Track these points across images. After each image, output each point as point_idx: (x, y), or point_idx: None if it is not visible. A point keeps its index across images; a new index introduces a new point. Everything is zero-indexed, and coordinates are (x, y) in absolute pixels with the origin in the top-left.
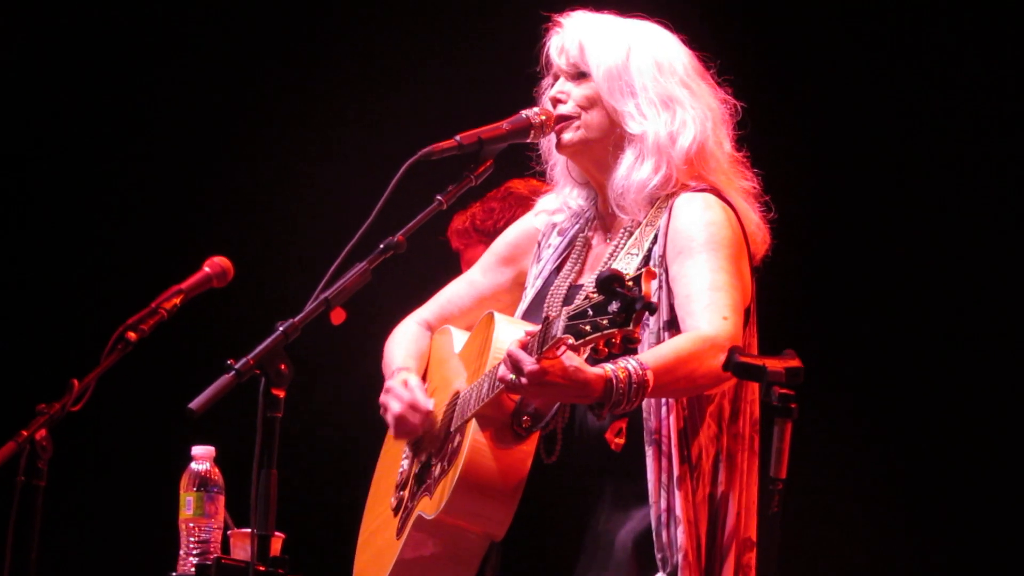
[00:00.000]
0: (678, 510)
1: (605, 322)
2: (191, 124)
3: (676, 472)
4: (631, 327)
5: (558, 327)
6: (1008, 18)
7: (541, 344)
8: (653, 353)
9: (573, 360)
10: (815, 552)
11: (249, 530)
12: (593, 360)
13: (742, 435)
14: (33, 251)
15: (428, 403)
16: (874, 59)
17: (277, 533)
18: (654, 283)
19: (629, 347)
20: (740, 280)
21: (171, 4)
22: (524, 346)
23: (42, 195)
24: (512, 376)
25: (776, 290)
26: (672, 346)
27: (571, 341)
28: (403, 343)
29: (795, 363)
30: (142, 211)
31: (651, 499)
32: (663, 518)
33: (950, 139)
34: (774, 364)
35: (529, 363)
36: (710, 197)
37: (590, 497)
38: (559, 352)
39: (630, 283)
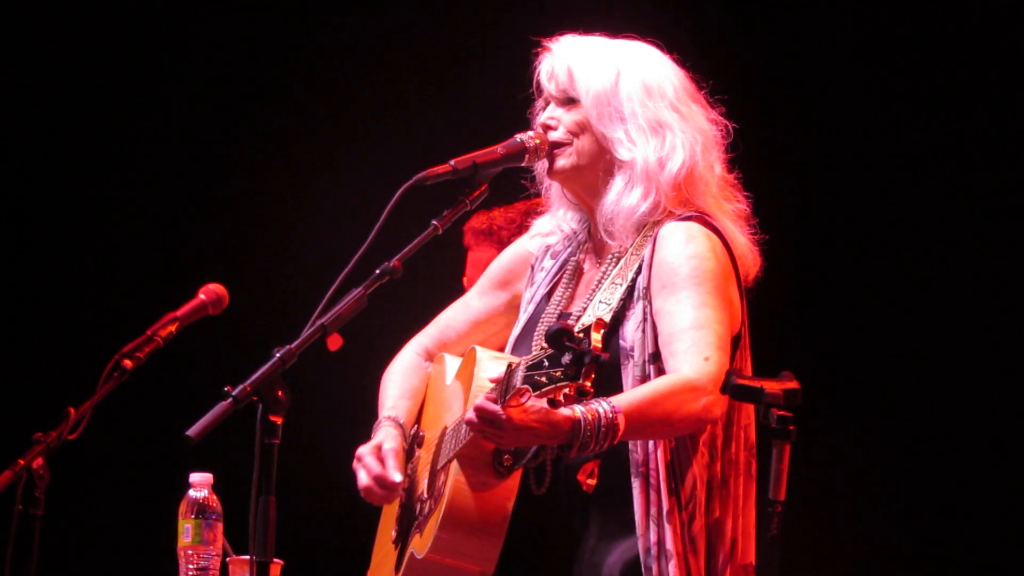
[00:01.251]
0: (669, 544)
1: (559, 374)
2: (187, 151)
3: (665, 506)
4: (581, 380)
5: (518, 378)
6: (996, 44)
7: (504, 392)
8: (628, 396)
9: (541, 403)
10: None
11: (248, 557)
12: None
13: (735, 461)
14: (28, 280)
15: (396, 476)
16: (867, 77)
17: (276, 560)
18: (630, 325)
19: (583, 398)
20: (726, 312)
21: (169, 29)
22: (492, 391)
23: (37, 223)
24: (484, 431)
25: (770, 311)
26: (649, 389)
27: (530, 392)
28: (397, 379)
29: (793, 385)
30: (137, 239)
31: (639, 531)
32: (653, 551)
33: (942, 160)
34: (772, 386)
35: (500, 417)
36: (693, 226)
37: (578, 528)
38: (523, 400)
39: (580, 335)
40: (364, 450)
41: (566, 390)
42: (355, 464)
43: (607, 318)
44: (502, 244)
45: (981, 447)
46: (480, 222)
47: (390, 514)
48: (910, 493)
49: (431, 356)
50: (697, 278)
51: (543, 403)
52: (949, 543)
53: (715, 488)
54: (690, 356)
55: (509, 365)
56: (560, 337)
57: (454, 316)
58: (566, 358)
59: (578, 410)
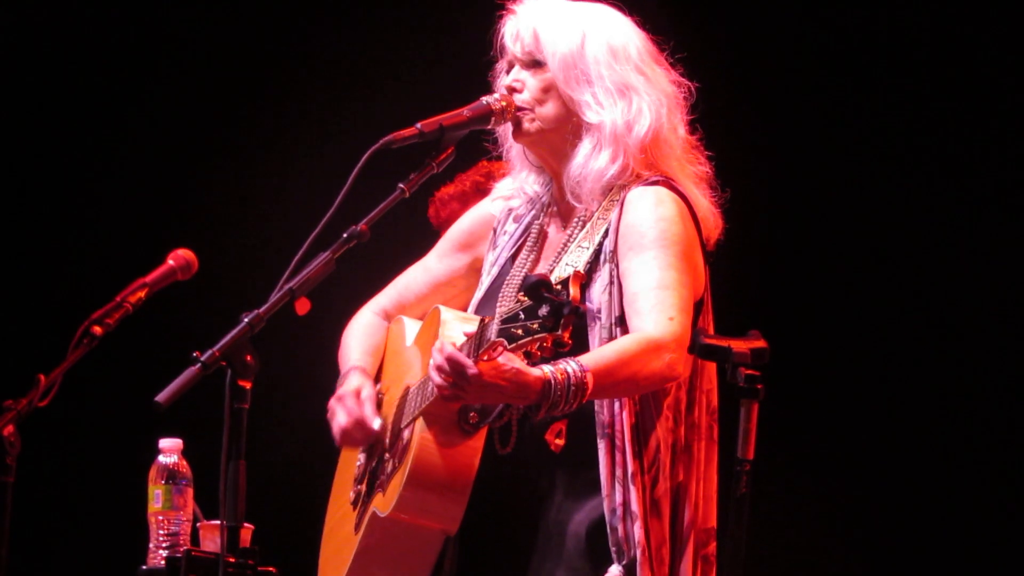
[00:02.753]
0: (634, 505)
1: (536, 326)
2: (152, 118)
3: (631, 468)
4: (560, 332)
5: (492, 331)
6: None
7: (477, 347)
8: (595, 355)
9: (513, 362)
10: (779, 541)
11: (219, 522)
12: (528, 363)
13: (698, 425)
14: None
15: (375, 421)
16: (828, 35)
17: (246, 524)
18: (596, 288)
19: (560, 351)
20: (690, 276)
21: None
22: (461, 348)
23: (5, 191)
24: (444, 383)
25: (733, 273)
26: (615, 348)
27: (505, 345)
28: (359, 336)
29: (760, 344)
30: (106, 205)
31: (604, 492)
32: (618, 512)
33: (908, 114)
34: (739, 345)
35: (469, 368)
36: (662, 191)
37: (543, 487)
38: (495, 354)
39: (558, 287)
40: (343, 392)
41: (544, 342)
42: (333, 404)
43: None
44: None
45: (950, 402)
46: (456, 186)
47: (345, 475)
48: (877, 455)
49: (389, 317)
50: (664, 241)
51: (516, 361)
52: (916, 502)
53: (679, 452)
54: (654, 315)
55: (482, 320)
56: (539, 288)
57: (413, 278)
58: (543, 310)
59: (548, 370)
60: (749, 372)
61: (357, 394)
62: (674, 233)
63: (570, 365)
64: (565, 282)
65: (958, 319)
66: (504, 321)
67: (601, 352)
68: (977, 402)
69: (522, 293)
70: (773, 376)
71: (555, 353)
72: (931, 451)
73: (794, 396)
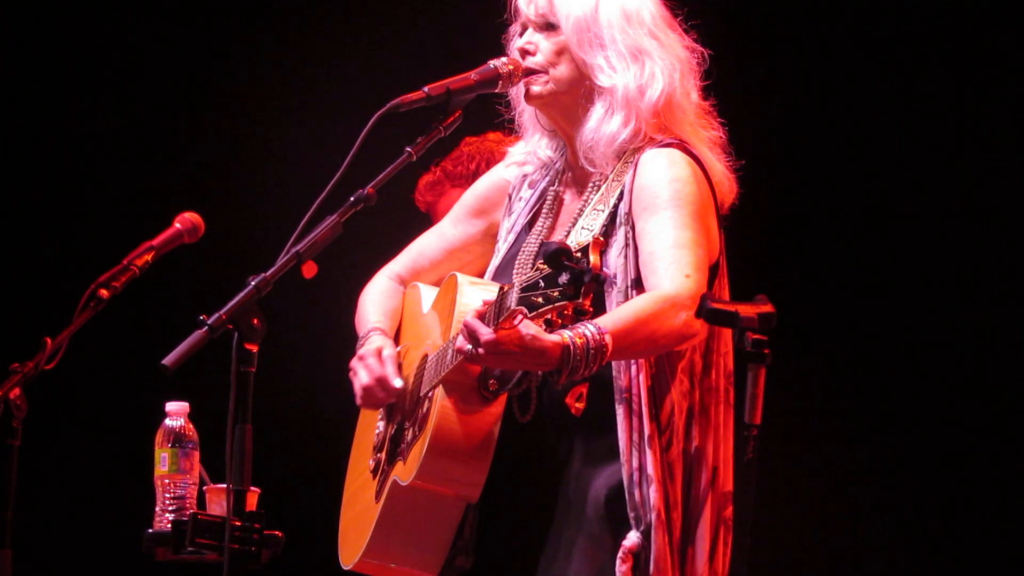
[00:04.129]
0: (649, 468)
1: (556, 294)
2: (159, 80)
3: (647, 431)
4: (580, 299)
5: (512, 299)
6: None
7: (497, 315)
8: (612, 316)
9: (530, 328)
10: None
11: (225, 485)
12: (548, 330)
13: (715, 388)
14: (1, 211)
15: (397, 381)
16: (844, 6)
17: (253, 488)
18: (612, 251)
19: (581, 319)
20: (705, 237)
21: None
22: (481, 316)
23: (9, 153)
24: (469, 347)
25: (746, 238)
26: (632, 308)
27: (525, 313)
28: (376, 299)
29: (767, 308)
30: (112, 168)
31: (623, 457)
32: (635, 476)
33: (920, 87)
34: (746, 310)
35: (486, 334)
36: (675, 152)
37: (562, 454)
38: (516, 322)
39: (578, 254)
40: (365, 351)
41: (565, 310)
42: (355, 363)
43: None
44: (466, 179)
45: (959, 372)
46: (431, 175)
47: (363, 443)
48: (885, 420)
49: (404, 283)
50: (680, 200)
51: (532, 327)
52: (921, 467)
53: (695, 415)
54: (670, 273)
55: (501, 287)
56: (559, 256)
57: (428, 244)
58: (563, 278)
59: (566, 335)
60: (756, 336)
61: (379, 353)
62: (688, 193)
63: (588, 328)
64: (585, 249)
65: (968, 287)
66: (524, 289)
67: (618, 313)
68: (987, 370)
69: (541, 261)
70: (781, 341)
71: (575, 320)
72: (940, 416)
73: (803, 357)
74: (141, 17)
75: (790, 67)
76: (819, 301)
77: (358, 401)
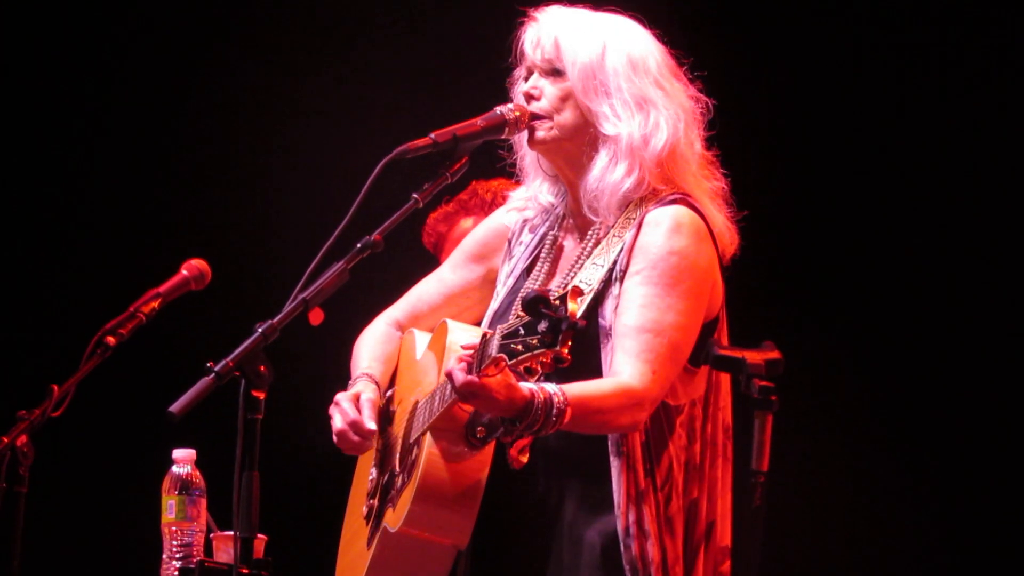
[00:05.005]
0: (646, 524)
1: (535, 342)
2: (167, 127)
3: (641, 486)
4: (558, 347)
5: (493, 346)
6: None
7: (479, 362)
8: (580, 390)
9: (509, 377)
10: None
11: (232, 533)
12: (528, 378)
13: (714, 442)
14: (9, 257)
15: (371, 424)
16: (845, 49)
17: (260, 535)
18: (607, 305)
19: (559, 367)
20: (690, 318)
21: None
22: (466, 362)
23: (18, 200)
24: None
25: (747, 285)
26: (598, 391)
27: (505, 361)
28: (370, 345)
29: (774, 355)
30: (119, 215)
31: (618, 510)
32: (632, 530)
33: (917, 133)
34: (753, 356)
35: (460, 381)
36: (681, 211)
37: (556, 501)
38: (497, 369)
39: (556, 302)
40: (342, 396)
41: (543, 357)
42: (331, 409)
43: (587, 297)
44: (483, 209)
45: (966, 417)
46: (442, 210)
47: (360, 490)
48: (892, 466)
49: (402, 329)
50: (671, 278)
51: (512, 379)
52: (927, 518)
53: (692, 469)
54: (639, 363)
55: (484, 335)
56: (536, 304)
57: (426, 290)
58: (542, 326)
59: (534, 388)
60: (763, 384)
61: (355, 398)
62: (684, 268)
63: (556, 392)
64: (563, 297)
65: (970, 331)
66: (505, 336)
67: (586, 389)
68: (994, 413)
69: (521, 309)
70: (786, 387)
71: (555, 369)
72: (949, 465)
73: (808, 406)
74: (150, 61)
75: (793, 114)
76: (821, 348)
77: (336, 444)
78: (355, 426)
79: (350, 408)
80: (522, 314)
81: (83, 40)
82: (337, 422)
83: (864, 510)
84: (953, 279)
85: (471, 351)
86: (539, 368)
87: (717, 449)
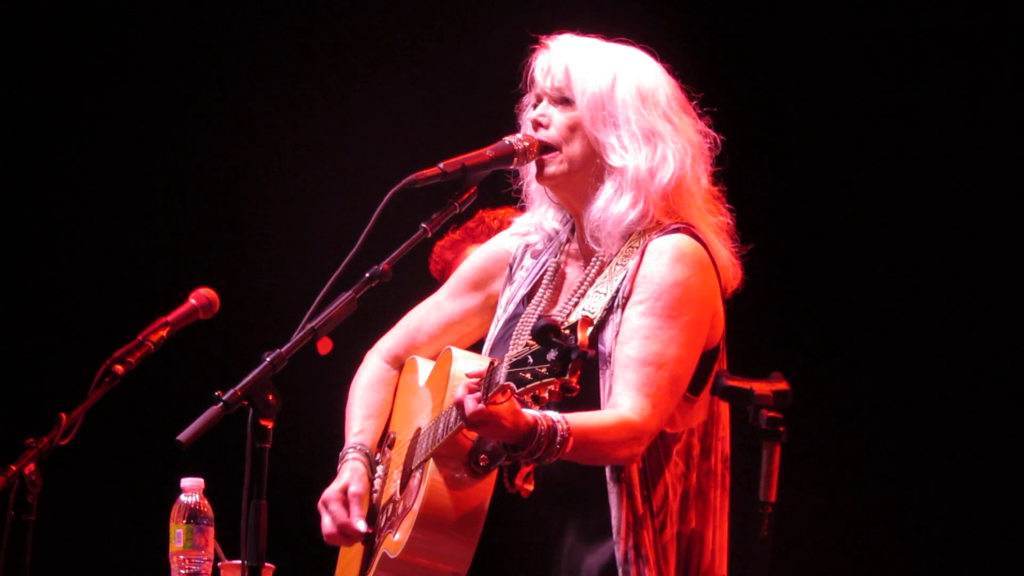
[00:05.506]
0: (644, 549)
1: (544, 371)
2: (177, 156)
3: (639, 512)
4: (567, 376)
5: (501, 374)
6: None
7: (486, 390)
8: (583, 420)
9: (514, 404)
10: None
11: (239, 562)
12: (534, 406)
13: (714, 472)
14: (19, 285)
15: (360, 524)
16: (852, 86)
17: (267, 564)
18: (608, 332)
19: (568, 395)
20: (690, 350)
21: (165, 38)
22: (471, 390)
23: (28, 228)
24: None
25: (753, 315)
26: (600, 423)
27: (513, 389)
28: (364, 397)
29: (782, 386)
30: (127, 244)
31: (617, 536)
32: (630, 555)
33: (922, 162)
34: (761, 387)
35: (470, 409)
36: (683, 241)
37: (555, 528)
38: (504, 397)
39: (566, 331)
40: (330, 494)
41: (552, 386)
42: (320, 508)
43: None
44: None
45: (975, 448)
46: (448, 238)
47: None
48: (899, 495)
49: (399, 361)
50: (673, 310)
51: (516, 406)
52: (938, 549)
53: (691, 498)
54: (640, 396)
55: (491, 362)
56: (547, 333)
57: (424, 318)
58: (552, 354)
59: (538, 416)
60: (771, 414)
61: (343, 493)
62: (685, 300)
63: (559, 421)
64: (573, 327)
65: (980, 362)
66: (513, 365)
67: (588, 420)
68: (1000, 442)
69: (531, 337)
70: (795, 416)
71: (563, 398)
72: (956, 496)
73: (816, 432)
74: (157, 87)
75: (801, 150)
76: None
77: (326, 541)
78: (345, 528)
79: (339, 510)
80: (531, 342)
81: (93, 67)
82: (327, 525)
83: (870, 539)
84: (960, 310)
85: (477, 379)
86: (547, 397)
87: (715, 479)
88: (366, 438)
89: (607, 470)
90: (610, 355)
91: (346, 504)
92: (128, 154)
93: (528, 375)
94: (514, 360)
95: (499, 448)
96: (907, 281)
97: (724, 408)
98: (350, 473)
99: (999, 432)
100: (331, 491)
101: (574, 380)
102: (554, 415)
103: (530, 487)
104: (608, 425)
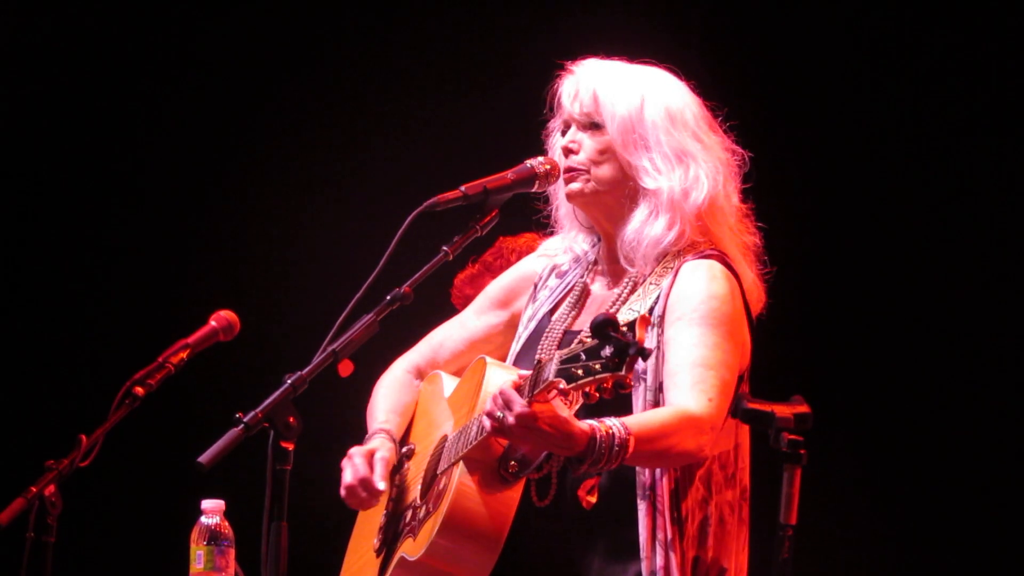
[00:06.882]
0: (674, 570)
1: (598, 367)
2: (199, 178)
3: (670, 533)
4: (623, 372)
5: (550, 370)
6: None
7: (533, 386)
8: (639, 420)
9: (563, 411)
10: None
11: None
12: (585, 409)
13: (733, 502)
14: (39, 307)
15: (381, 483)
16: (876, 101)
17: None
18: (649, 330)
19: (620, 392)
20: (733, 358)
21: (181, 57)
22: (517, 388)
23: (48, 250)
24: (500, 414)
25: (776, 337)
26: (658, 418)
27: (563, 385)
28: (387, 394)
29: (803, 409)
30: (148, 266)
31: (643, 553)
32: (659, 575)
33: (945, 178)
34: (782, 410)
35: (520, 404)
36: (716, 267)
37: (580, 546)
38: (551, 396)
39: (624, 328)
40: (356, 450)
41: (605, 383)
42: (344, 461)
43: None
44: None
45: (987, 471)
46: (469, 270)
47: (371, 525)
48: (910, 518)
49: (421, 374)
50: (713, 319)
51: (565, 410)
52: (953, 565)
53: (711, 525)
54: (695, 393)
55: (539, 360)
56: (605, 327)
57: (448, 335)
58: (607, 351)
59: (594, 424)
60: (792, 437)
61: (369, 455)
62: (723, 313)
63: (616, 425)
64: (632, 324)
65: (1007, 385)
66: (564, 361)
67: (645, 418)
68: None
69: (586, 335)
70: (816, 440)
71: (614, 395)
72: (977, 515)
73: (838, 458)
74: (178, 108)
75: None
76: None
77: (343, 498)
78: (365, 483)
79: (362, 464)
80: (586, 340)
81: (105, 89)
82: (347, 476)
83: (889, 561)
84: (989, 333)
85: (521, 380)
86: (597, 395)
87: (735, 509)
88: (391, 427)
89: (636, 486)
90: (644, 373)
91: (371, 464)
92: (150, 177)
93: (580, 371)
94: (565, 357)
95: (530, 456)
96: (932, 303)
97: (745, 438)
98: (379, 442)
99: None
100: (356, 449)
101: (630, 377)
102: (609, 420)
103: (593, 499)
104: (666, 418)
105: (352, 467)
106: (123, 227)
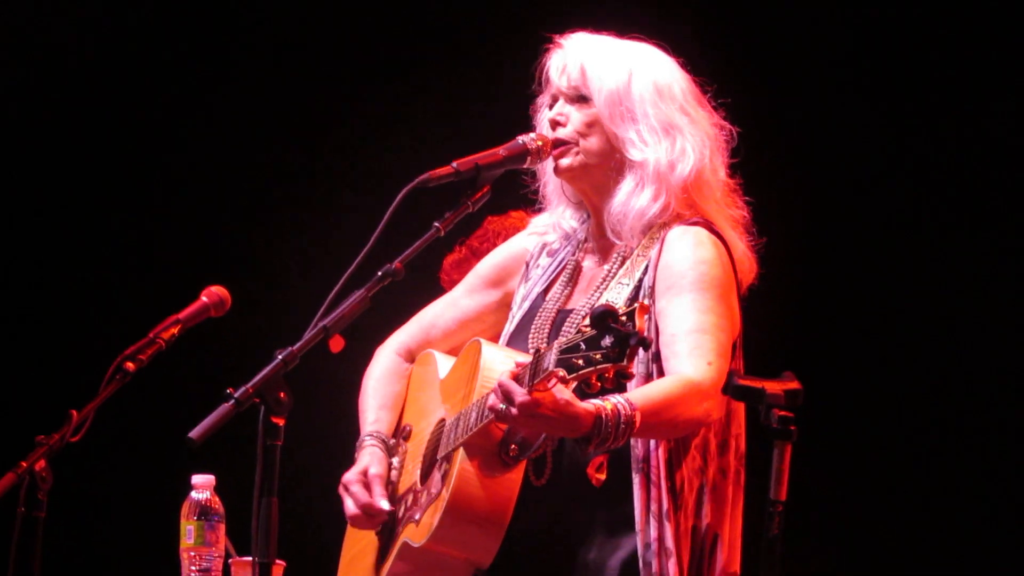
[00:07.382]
0: (669, 542)
1: (598, 356)
2: (188, 155)
3: (665, 504)
4: (624, 362)
5: (550, 360)
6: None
7: (532, 376)
8: (642, 393)
9: (564, 394)
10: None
11: (251, 558)
12: (582, 394)
13: (729, 468)
14: (30, 282)
15: (383, 503)
16: (865, 78)
17: (278, 561)
18: (649, 319)
19: (621, 381)
20: (728, 321)
21: (188, 45)
22: (515, 377)
23: (40, 226)
24: (502, 406)
25: (767, 314)
26: (660, 389)
27: (562, 374)
28: (378, 388)
29: (794, 385)
30: (139, 241)
31: (638, 526)
32: (653, 547)
33: (938, 161)
34: (773, 387)
35: (520, 394)
36: (702, 232)
37: (578, 522)
38: (550, 385)
39: (623, 318)
40: (350, 477)
41: (606, 372)
42: (341, 491)
43: None
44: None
45: (974, 445)
46: (456, 253)
47: None
48: (903, 495)
49: (412, 355)
50: (704, 283)
51: (566, 392)
52: (943, 542)
53: (707, 493)
54: (693, 359)
55: (537, 349)
56: (605, 318)
57: (439, 314)
58: (607, 340)
59: (598, 404)
60: (783, 413)
61: (364, 475)
62: (713, 276)
63: (620, 401)
64: (631, 313)
65: (997, 362)
66: (564, 351)
67: (647, 391)
68: (1011, 437)
69: (585, 324)
70: (806, 417)
71: (615, 384)
72: (967, 492)
73: (827, 437)
74: (171, 88)
75: (813, 143)
76: (841, 377)
77: (350, 524)
78: (367, 508)
79: (360, 492)
80: (585, 328)
81: (110, 70)
82: (350, 507)
83: (881, 538)
84: (977, 309)
85: (520, 368)
86: (598, 384)
87: (730, 475)
88: (382, 427)
89: (631, 459)
90: None
91: (367, 485)
92: (140, 152)
93: (580, 361)
94: (564, 346)
95: (529, 439)
96: (922, 278)
97: (740, 405)
98: (369, 456)
99: (1012, 432)
100: (351, 474)
101: (631, 366)
102: (613, 397)
103: (602, 476)
104: (670, 389)
105: (351, 497)
106: (114, 202)
